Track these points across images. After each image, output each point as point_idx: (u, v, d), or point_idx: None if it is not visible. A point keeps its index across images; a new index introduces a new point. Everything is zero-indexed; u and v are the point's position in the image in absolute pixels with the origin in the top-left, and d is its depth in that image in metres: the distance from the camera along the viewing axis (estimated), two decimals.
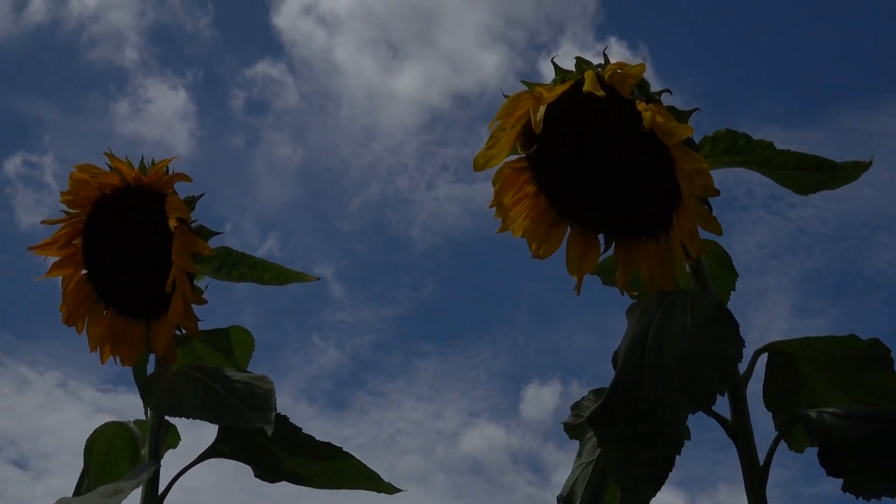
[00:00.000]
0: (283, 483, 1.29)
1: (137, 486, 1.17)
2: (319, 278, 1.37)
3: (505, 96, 1.07)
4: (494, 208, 1.13)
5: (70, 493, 1.41)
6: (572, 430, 1.25)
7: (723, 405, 1.09)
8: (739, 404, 1.09)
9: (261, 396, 1.18)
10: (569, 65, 1.07)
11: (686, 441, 0.98)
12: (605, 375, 1.06)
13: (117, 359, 1.31)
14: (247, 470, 1.28)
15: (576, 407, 1.25)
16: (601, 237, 1.13)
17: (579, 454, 1.23)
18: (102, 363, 1.31)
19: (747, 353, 1.12)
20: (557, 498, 1.23)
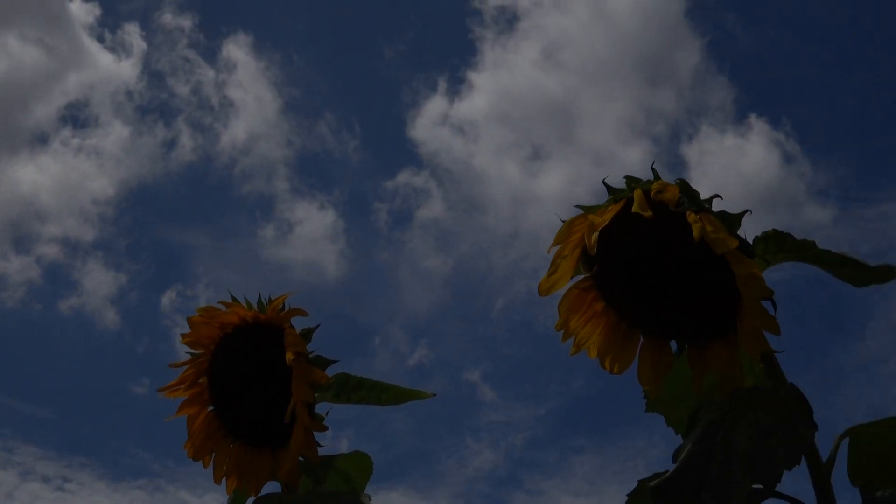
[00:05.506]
0: None
1: None
2: (435, 394, 1.43)
3: (562, 221, 1.14)
4: (561, 332, 1.18)
5: None
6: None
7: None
8: (825, 492, 1.11)
9: None
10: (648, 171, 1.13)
11: None
12: None
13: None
14: None
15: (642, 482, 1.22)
16: (673, 345, 1.18)
17: None
18: (228, 493, 1.41)
19: (830, 439, 1.16)
20: None
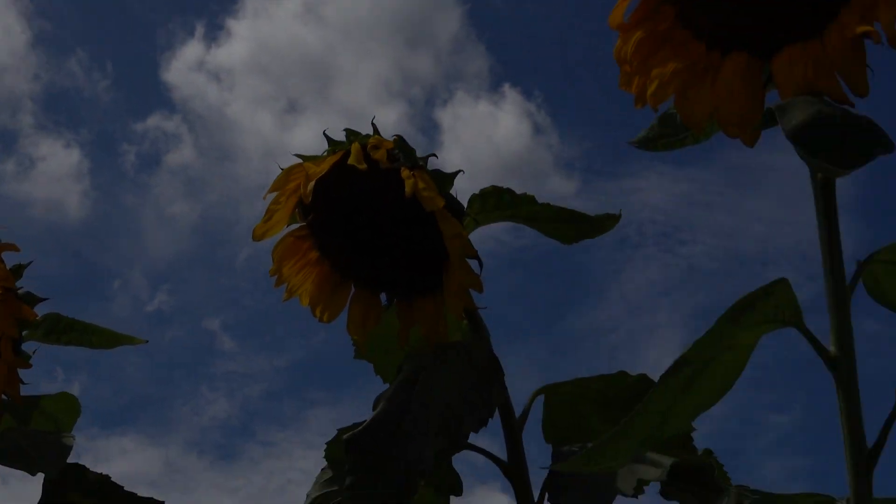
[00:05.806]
0: None
1: None
2: (147, 341, 1.43)
3: (281, 168, 1.14)
4: (276, 277, 1.19)
5: None
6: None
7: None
8: (516, 446, 1.16)
9: (57, 450, 1.25)
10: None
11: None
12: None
13: None
14: None
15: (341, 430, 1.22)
16: (383, 297, 1.20)
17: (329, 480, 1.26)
18: None
19: (524, 395, 1.21)
20: None
